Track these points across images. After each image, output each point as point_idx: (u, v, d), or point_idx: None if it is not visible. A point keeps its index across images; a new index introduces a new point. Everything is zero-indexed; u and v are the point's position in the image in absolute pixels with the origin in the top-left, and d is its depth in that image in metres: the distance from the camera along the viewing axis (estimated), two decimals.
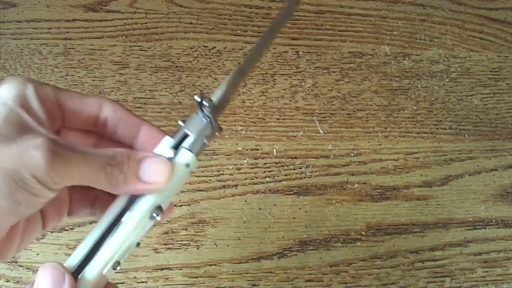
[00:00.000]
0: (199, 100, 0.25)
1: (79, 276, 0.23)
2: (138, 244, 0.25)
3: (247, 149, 0.52)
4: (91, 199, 0.28)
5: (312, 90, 0.56)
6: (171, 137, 0.26)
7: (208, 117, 0.26)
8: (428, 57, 0.59)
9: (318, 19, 0.59)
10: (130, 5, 0.56)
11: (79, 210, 0.28)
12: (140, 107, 0.52)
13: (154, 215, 0.24)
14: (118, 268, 0.25)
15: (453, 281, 0.51)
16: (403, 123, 0.56)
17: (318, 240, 0.51)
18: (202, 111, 0.25)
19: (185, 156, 0.25)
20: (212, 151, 0.51)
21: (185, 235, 0.49)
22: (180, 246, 0.49)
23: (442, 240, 0.52)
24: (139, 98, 0.53)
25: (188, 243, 0.49)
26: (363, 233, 0.51)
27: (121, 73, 0.53)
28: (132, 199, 0.24)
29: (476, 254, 0.53)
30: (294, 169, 0.52)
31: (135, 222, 0.24)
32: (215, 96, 0.26)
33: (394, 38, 0.59)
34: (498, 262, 0.53)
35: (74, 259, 0.24)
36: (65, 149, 0.21)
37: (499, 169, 0.56)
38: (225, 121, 0.53)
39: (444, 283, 0.51)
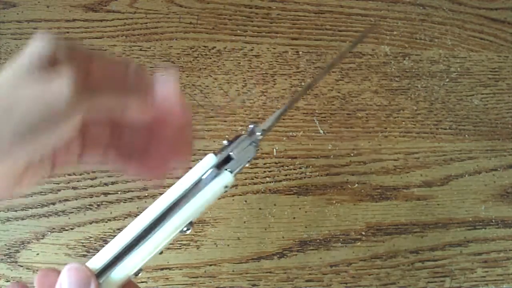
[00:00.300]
0: (251, 127, 0.27)
1: (102, 280, 0.24)
2: (161, 253, 0.26)
3: None
4: (105, 142, 0.27)
5: (312, 90, 0.56)
6: (215, 155, 0.27)
7: (257, 144, 0.27)
8: (428, 57, 0.59)
9: (318, 19, 0.59)
10: (130, 5, 0.56)
11: (91, 154, 0.27)
12: None
13: (185, 229, 0.25)
14: (139, 274, 0.25)
15: (453, 281, 0.51)
16: (403, 123, 0.56)
17: (318, 240, 0.51)
18: (251, 137, 0.27)
19: (226, 178, 0.26)
20: (212, 151, 0.51)
21: (185, 235, 0.49)
22: (180, 246, 0.49)
23: (442, 240, 0.52)
24: None
25: (188, 243, 0.49)
26: (363, 233, 0.51)
27: None
28: (163, 215, 0.25)
29: (476, 254, 0.53)
30: (294, 169, 0.52)
31: (168, 235, 0.25)
32: (265, 125, 0.28)
33: (394, 38, 0.59)
34: (498, 262, 0.53)
35: (98, 262, 0.24)
36: (88, 81, 0.22)
37: (499, 169, 0.56)
38: (225, 121, 0.53)
39: (444, 283, 0.51)
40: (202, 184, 0.26)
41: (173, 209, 0.25)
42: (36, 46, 0.23)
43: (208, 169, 0.26)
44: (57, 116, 0.21)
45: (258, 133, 0.27)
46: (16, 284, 0.25)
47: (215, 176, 0.26)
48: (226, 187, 0.26)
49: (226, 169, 0.26)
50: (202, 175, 0.26)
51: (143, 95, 0.24)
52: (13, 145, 0.21)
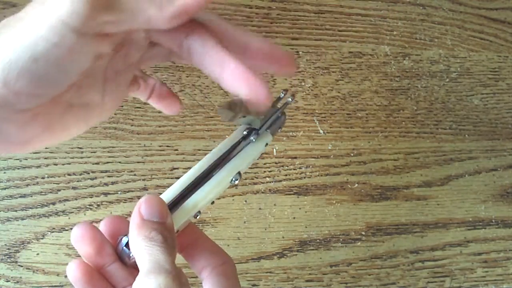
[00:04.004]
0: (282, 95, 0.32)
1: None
2: (212, 203, 0.29)
3: None
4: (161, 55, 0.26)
5: (312, 90, 0.56)
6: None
7: (284, 113, 0.32)
8: (428, 57, 0.59)
9: (318, 19, 0.59)
10: None
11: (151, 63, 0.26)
12: (140, 107, 0.52)
13: (234, 179, 0.29)
14: (197, 217, 0.29)
15: (453, 281, 0.51)
16: (403, 123, 0.56)
17: (318, 240, 0.51)
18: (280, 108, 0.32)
19: (266, 136, 0.31)
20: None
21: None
22: None
23: (442, 240, 0.53)
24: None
25: None
26: (363, 233, 0.51)
27: None
28: (220, 162, 0.29)
29: (476, 254, 0.53)
30: (294, 169, 0.52)
31: (220, 180, 0.28)
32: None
33: (394, 38, 0.59)
34: (498, 262, 0.53)
35: (165, 197, 0.27)
36: None
37: (499, 169, 0.56)
38: (225, 121, 0.53)
39: (444, 283, 0.51)
40: (247, 142, 0.30)
41: (223, 160, 0.29)
42: None
43: (249, 133, 0.30)
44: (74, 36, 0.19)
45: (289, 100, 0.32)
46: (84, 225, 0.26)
47: (259, 135, 0.30)
48: (266, 144, 0.31)
49: (266, 130, 0.31)
50: (245, 136, 0.30)
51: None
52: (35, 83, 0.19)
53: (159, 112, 0.52)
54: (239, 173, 0.29)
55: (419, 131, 0.56)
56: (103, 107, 0.25)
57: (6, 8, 0.54)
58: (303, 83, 0.56)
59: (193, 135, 0.51)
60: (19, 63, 0.19)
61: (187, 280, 0.23)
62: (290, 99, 0.32)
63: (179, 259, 0.27)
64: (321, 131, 0.54)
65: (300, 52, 0.57)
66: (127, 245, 0.26)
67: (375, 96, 0.56)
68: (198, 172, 0.28)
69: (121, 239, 0.27)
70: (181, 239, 0.29)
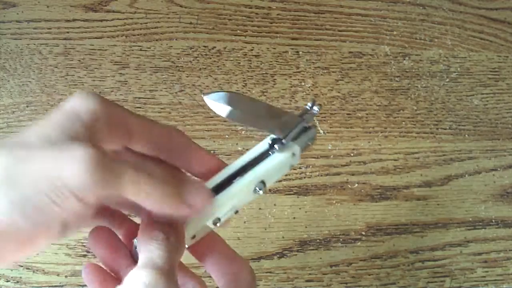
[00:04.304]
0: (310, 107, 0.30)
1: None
2: (236, 212, 0.28)
3: (247, 149, 0.52)
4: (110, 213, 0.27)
5: (312, 90, 0.56)
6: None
7: (314, 126, 0.31)
8: (428, 57, 0.59)
9: (318, 19, 0.59)
10: (130, 5, 0.56)
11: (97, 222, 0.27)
12: (140, 107, 0.52)
13: (257, 188, 0.28)
14: (218, 224, 0.28)
15: (453, 281, 0.51)
16: (403, 123, 0.56)
17: (318, 240, 0.51)
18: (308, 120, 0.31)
19: (292, 148, 0.29)
20: (212, 151, 0.51)
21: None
22: None
23: (442, 240, 0.52)
24: (139, 98, 0.53)
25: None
26: (363, 233, 0.51)
27: (121, 73, 0.53)
28: (243, 169, 0.28)
29: (476, 254, 0.53)
30: (294, 169, 0.52)
31: (241, 185, 0.27)
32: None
33: (394, 38, 0.59)
34: (498, 262, 0.53)
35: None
36: (115, 163, 0.20)
37: (499, 169, 0.56)
38: (225, 121, 0.53)
39: (444, 283, 0.51)
40: (271, 151, 0.29)
41: (246, 169, 0.28)
42: (77, 105, 0.21)
43: (274, 142, 0.29)
44: (69, 197, 0.19)
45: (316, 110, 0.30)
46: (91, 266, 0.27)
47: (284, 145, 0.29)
48: (293, 155, 0.29)
49: (293, 141, 0.29)
50: (270, 146, 0.29)
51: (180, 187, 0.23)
52: (16, 217, 0.19)
53: (159, 112, 0.52)
54: (263, 182, 0.28)
55: (419, 131, 0.56)
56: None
57: (6, 8, 0.54)
58: (303, 83, 0.56)
59: (193, 135, 0.51)
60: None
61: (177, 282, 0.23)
62: (315, 111, 0.31)
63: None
64: (321, 131, 0.54)
65: (300, 52, 0.57)
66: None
67: (375, 96, 0.56)
68: (219, 180, 0.27)
69: (135, 241, 0.27)
70: (199, 246, 0.29)
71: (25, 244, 0.21)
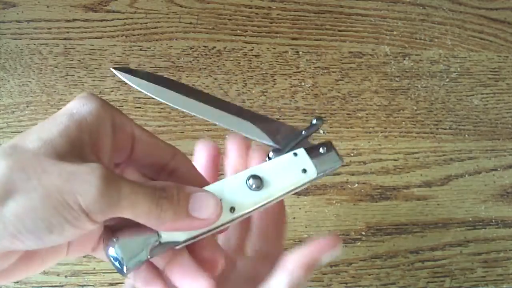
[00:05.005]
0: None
1: None
2: (232, 209, 0.26)
3: None
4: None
5: (312, 90, 0.56)
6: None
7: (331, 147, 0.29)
8: (428, 57, 0.59)
9: (318, 19, 0.59)
10: (130, 5, 0.56)
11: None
12: (140, 107, 0.52)
13: (252, 185, 0.26)
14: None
15: (453, 281, 0.51)
16: (403, 123, 0.56)
17: None
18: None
19: (301, 159, 0.28)
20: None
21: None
22: None
23: (442, 240, 0.52)
24: (139, 98, 0.53)
25: None
26: (363, 233, 0.51)
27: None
28: None
29: (476, 254, 0.53)
30: None
31: (231, 178, 0.26)
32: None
33: (394, 38, 0.59)
34: (498, 262, 0.53)
35: None
36: (118, 179, 0.20)
37: (499, 169, 0.56)
38: None
39: (444, 283, 0.51)
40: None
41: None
42: (79, 108, 0.21)
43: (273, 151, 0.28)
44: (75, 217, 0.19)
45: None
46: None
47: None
48: (304, 170, 0.27)
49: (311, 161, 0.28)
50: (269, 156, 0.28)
51: (181, 207, 0.22)
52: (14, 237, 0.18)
53: (159, 112, 0.52)
54: (260, 179, 0.26)
55: (419, 131, 0.56)
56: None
57: (6, 8, 0.54)
58: (303, 83, 0.56)
59: (193, 135, 0.51)
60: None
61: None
62: (319, 126, 0.29)
63: None
64: (321, 131, 0.54)
65: (300, 52, 0.57)
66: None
67: (375, 96, 0.56)
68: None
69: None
70: None
71: (32, 261, 0.21)
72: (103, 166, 0.19)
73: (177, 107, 0.28)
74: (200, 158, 0.32)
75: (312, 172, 0.27)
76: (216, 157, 0.32)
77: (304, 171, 0.27)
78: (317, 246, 0.26)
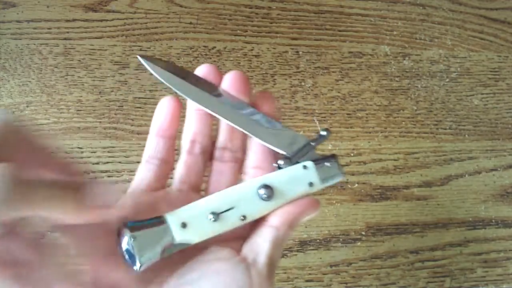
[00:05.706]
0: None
1: None
2: (244, 218, 0.26)
3: None
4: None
5: (312, 90, 0.56)
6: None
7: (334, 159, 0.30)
8: (428, 57, 0.59)
9: (318, 19, 0.59)
10: (130, 5, 0.56)
11: None
12: (140, 107, 0.52)
13: (263, 195, 0.26)
14: (211, 218, 0.26)
15: (453, 281, 0.51)
16: (403, 123, 0.56)
17: (318, 240, 0.51)
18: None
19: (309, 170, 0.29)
20: None
21: None
22: None
23: (442, 240, 0.52)
24: (139, 98, 0.53)
25: None
26: (363, 233, 0.51)
27: (121, 73, 0.53)
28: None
29: (476, 254, 0.53)
30: None
31: (243, 185, 0.27)
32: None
33: (394, 38, 0.59)
34: (498, 262, 0.53)
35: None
36: (23, 177, 0.19)
37: (499, 169, 0.56)
38: None
39: (444, 283, 0.51)
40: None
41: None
42: None
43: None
44: None
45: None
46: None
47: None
48: (311, 184, 0.28)
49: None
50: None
51: (79, 197, 0.22)
52: None
53: None
54: (270, 188, 0.27)
55: (419, 131, 0.56)
56: None
57: (6, 8, 0.54)
58: (303, 83, 0.56)
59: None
60: None
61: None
62: (327, 137, 0.31)
63: None
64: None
65: (300, 52, 0.57)
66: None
67: (375, 96, 0.56)
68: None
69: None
70: None
71: None
72: (8, 163, 0.19)
73: (194, 102, 0.29)
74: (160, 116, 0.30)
75: (317, 186, 0.29)
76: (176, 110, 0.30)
77: (311, 184, 0.28)
78: (299, 206, 0.28)
